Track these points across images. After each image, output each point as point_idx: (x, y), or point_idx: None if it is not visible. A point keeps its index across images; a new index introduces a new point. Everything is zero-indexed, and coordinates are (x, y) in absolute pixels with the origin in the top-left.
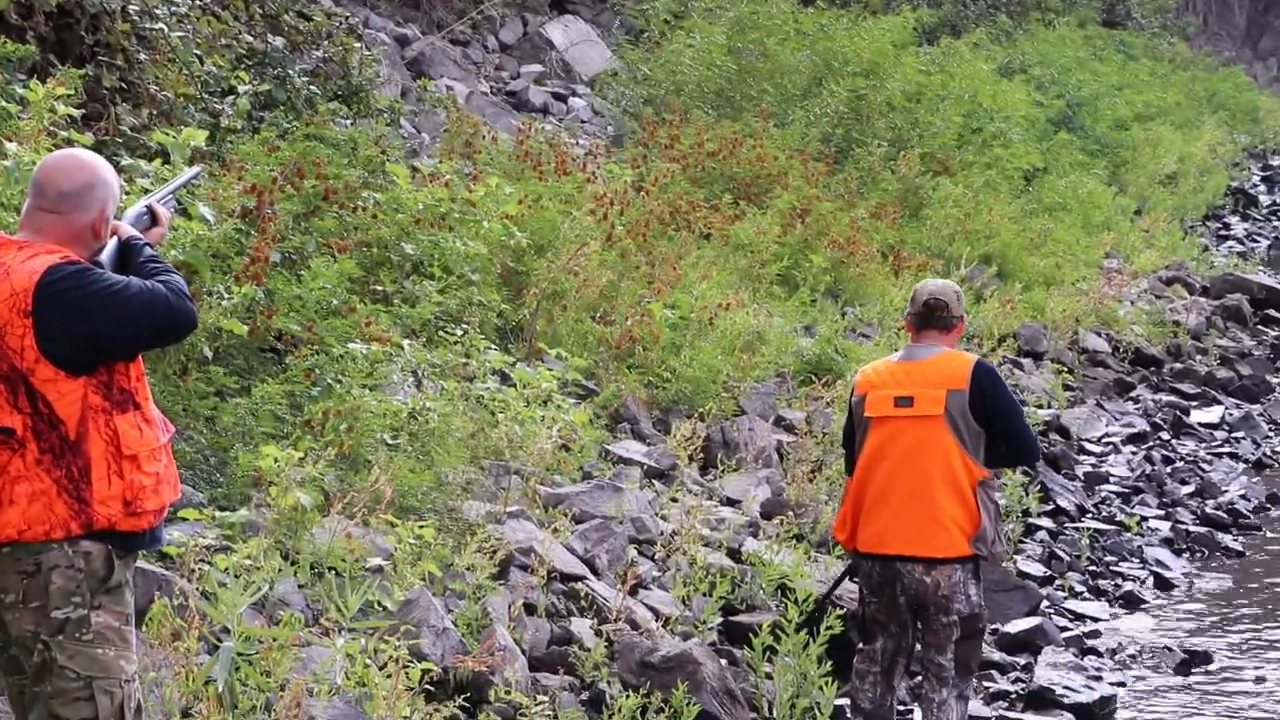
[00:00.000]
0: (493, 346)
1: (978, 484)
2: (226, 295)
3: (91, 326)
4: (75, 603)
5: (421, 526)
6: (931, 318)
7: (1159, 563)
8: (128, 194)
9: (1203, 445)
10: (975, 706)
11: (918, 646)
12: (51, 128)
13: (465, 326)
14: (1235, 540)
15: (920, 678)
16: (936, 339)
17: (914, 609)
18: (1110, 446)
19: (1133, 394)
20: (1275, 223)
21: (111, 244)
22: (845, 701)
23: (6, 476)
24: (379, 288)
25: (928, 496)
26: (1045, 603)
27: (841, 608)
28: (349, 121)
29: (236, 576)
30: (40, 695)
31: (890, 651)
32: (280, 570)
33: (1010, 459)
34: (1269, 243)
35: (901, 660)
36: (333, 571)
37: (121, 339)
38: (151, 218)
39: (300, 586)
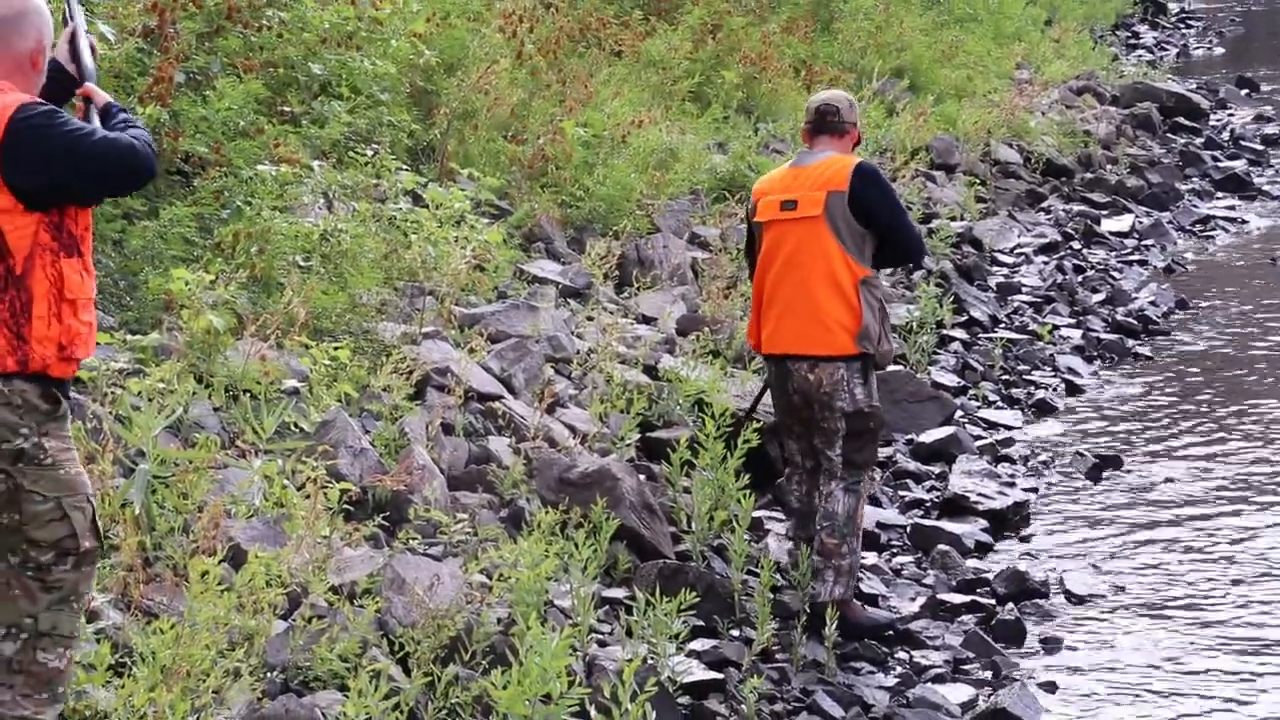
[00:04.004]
0: (404, 167)
1: (859, 283)
2: None
3: (54, 168)
4: (24, 434)
5: (336, 348)
6: (824, 124)
7: (1070, 370)
8: None
9: (1113, 253)
10: (890, 515)
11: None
12: None
13: (375, 147)
14: (1144, 346)
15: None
16: (828, 144)
17: (806, 406)
18: (1022, 257)
19: (1044, 204)
20: (1184, 30)
21: (94, 112)
22: (763, 513)
23: None
24: (287, 108)
25: (810, 297)
26: (959, 412)
27: (759, 421)
28: None
29: (150, 400)
30: (6, 526)
31: (805, 451)
32: (194, 393)
33: (895, 258)
34: (1177, 50)
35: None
36: (248, 394)
37: (81, 184)
38: (90, 50)
39: (215, 409)
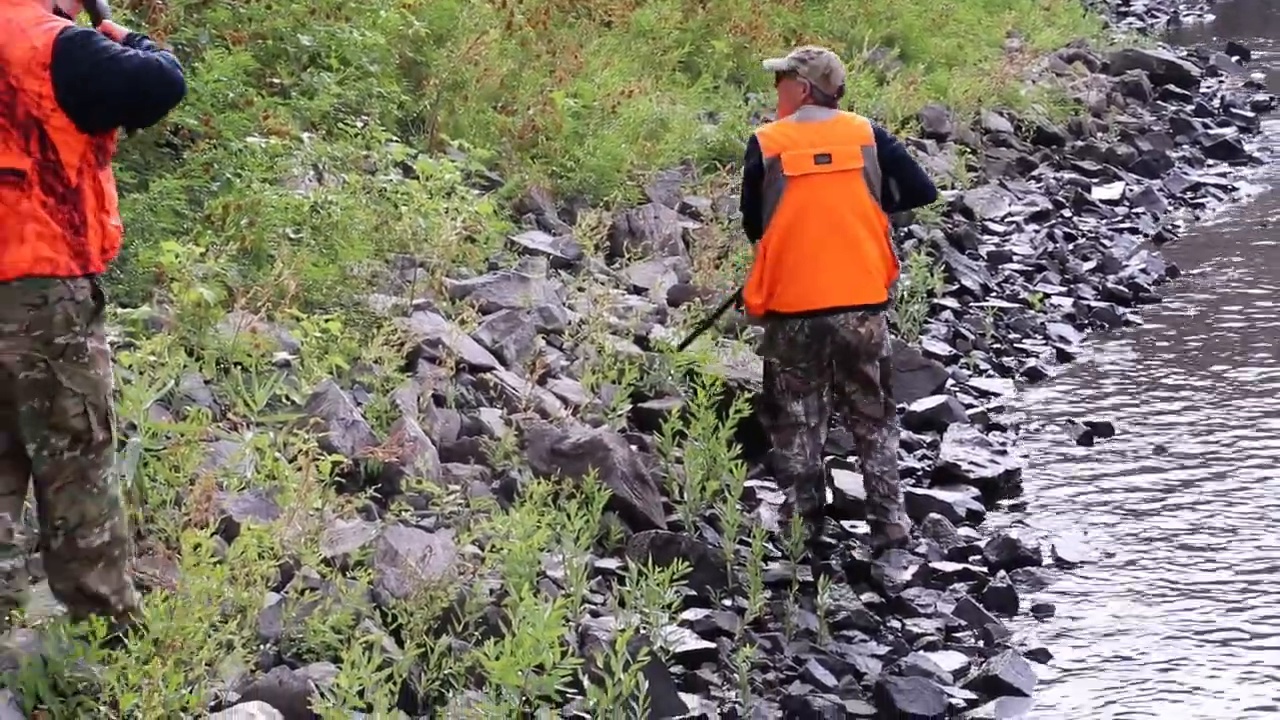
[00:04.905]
0: (394, 138)
1: (886, 231)
2: None
3: (99, 85)
4: (74, 331)
5: (327, 320)
6: (836, 101)
7: (1061, 338)
8: None
9: (1104, 221)
10: None
11: (832, 406)
12: None
13: (365, 118)
14: (1135, 313)
15: (853, 427)
16: (825, 108)
17: (840, 360)
18: (1013, 225)
19: (1035, 173)
20: None
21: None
22: (755, 483)
23: (16, 215)
24: (276, 80)
25: (857, 247)
26: (950, 381)
27: (750, 390)
28: None
29: (141, 373)
30: (33, 410)
31: (813, 410)
32: (185, 366)
33: (914, 199)
34: (1168, 17)
35: (825, 418)
36: (238, 366)
37: (122, 100)
38: None
39: (206, 382)
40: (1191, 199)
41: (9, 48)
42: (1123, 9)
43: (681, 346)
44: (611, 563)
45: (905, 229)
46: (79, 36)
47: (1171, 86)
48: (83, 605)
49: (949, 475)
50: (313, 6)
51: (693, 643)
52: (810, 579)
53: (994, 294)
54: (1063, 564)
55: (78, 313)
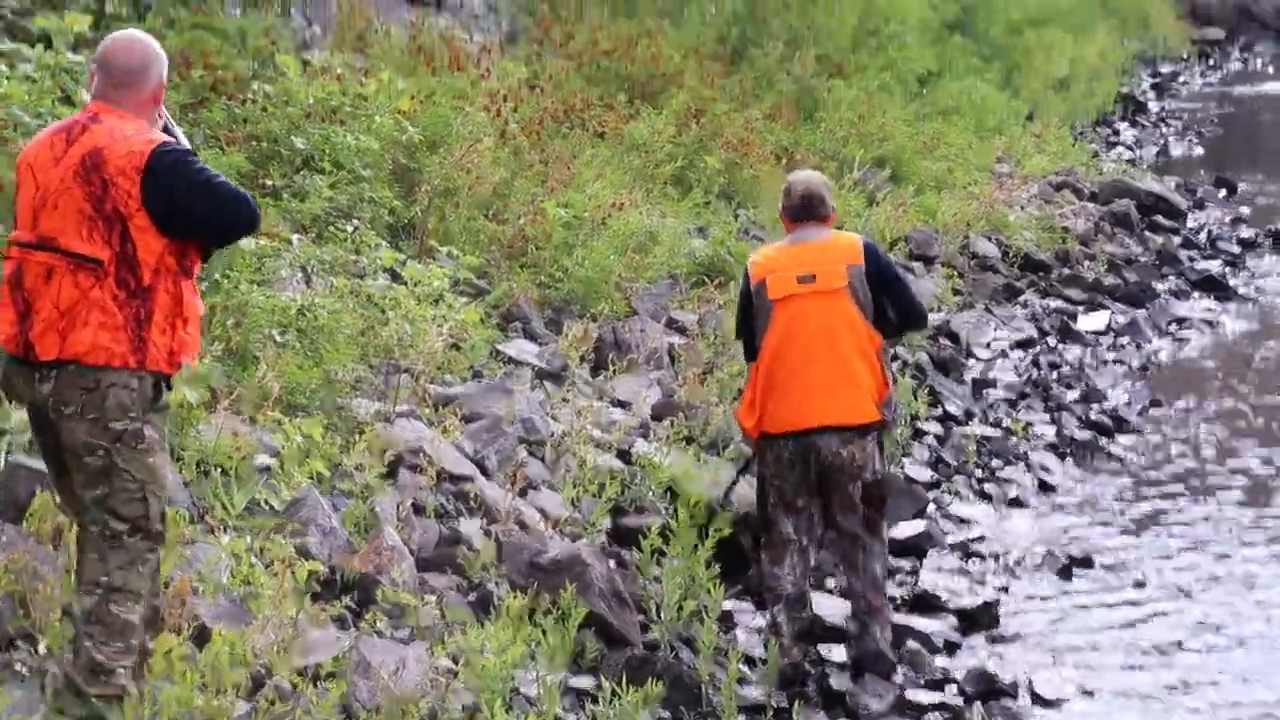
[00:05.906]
0: (384, 243)
1: (879, 351)
2: None
3: (186, 199)
4: (131, 417)
5: (309, 424)
6: (810, 210)
7: (1043, 467)
8: (8, 78)
9: (1089, 351)
10: None
11: (822, 527)
12: None
13: (356, 222)
14: (1117, 445)
15: (836, 548)
16: (815, 227)
17: (826, 481)
18: (998, 352)
19: (1021, 299)
20: (1163, 129)
21: None
22: (732, 604)
23: (86, 301)
24: (268, 182)
25: (844, 366)
26: (931, 506)
27: (732, 509)
28: (238, 11)
29: None
30: (95, 497)
31: (802, 530)
32: None
33: (900, 326)
34: (1157, 149)
35: (814, 540)
36: (219, 469)
37: (203, 217)
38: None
39: (186, 484)
40: (1176, 331)
41: (109, 149)
42: (1112, 139)
43: (725, 494)
44: (586, 680)
45: (890, 351)
46: (181, 153)
47: (1159, 218)
48: (93, 685)
49: (927, 604)
50: (308, 110)
51: None
52: (785, 705)
53: (977, 420)
54: (1039, 700)
55: (133, 400)
